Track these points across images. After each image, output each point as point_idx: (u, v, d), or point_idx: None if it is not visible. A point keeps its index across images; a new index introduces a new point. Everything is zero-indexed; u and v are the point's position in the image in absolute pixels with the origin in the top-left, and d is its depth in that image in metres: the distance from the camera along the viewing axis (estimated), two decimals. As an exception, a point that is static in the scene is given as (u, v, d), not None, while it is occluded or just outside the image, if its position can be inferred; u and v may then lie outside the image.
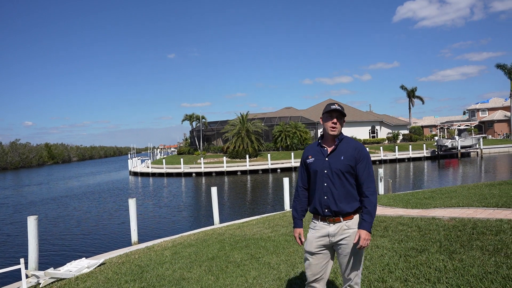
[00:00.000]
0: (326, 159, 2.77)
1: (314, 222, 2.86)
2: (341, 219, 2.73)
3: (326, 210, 2.74)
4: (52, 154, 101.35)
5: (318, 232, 2.79)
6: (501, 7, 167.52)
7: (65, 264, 6.38)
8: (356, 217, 2.76)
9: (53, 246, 12.40)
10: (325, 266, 2.79)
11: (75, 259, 6.63)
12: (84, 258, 6.81)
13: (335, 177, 2.72)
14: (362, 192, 2.74)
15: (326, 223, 2.77)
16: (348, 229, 2.72)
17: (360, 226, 2.69)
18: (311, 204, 2.88)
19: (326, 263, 2.80)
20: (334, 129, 2.75)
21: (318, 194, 2.78)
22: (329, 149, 2.80)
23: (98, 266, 6.19)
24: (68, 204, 22.83)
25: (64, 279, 5.65)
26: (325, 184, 2.74)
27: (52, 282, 5.63)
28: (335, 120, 2.75)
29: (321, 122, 2.87)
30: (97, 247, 11.80)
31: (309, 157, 2.86)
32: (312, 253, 2.79)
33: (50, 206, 22.18)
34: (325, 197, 2.74)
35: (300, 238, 2.89)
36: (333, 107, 2.75)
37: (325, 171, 2.75)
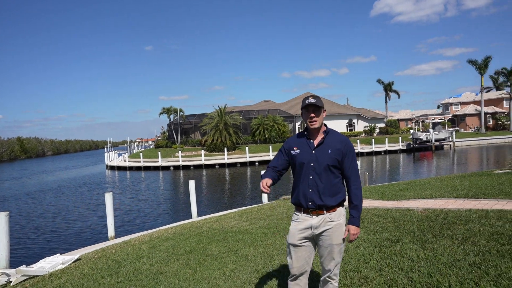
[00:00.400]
0: (313, 151, 2.75)
1: (296, 214, 2.84)
2: (324, 211, 2.74)
3: (310, 203, 2.73)
4: (25, 148, 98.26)
5: (301, 224, 2.78)
6: (472, 5, 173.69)
7: (39, 261, 6.23)
8: (339, 209, 2.78)
9: (26, 243, 12.09)
10: (308, 258, 2.80)
11: (49, 256, 6.48)
12: (58, 254, 6.66)
13: (322, 170, 2.71)
14: (349, 186, 2.78)
15: (309, 215, 2.76)
16: (330, 221, 2.73)
17: (349, 222, 2.75)
18: (294, 195, 2.86)
19: (309, 255, 2.80)
20: (313, 123, 2.74)
21: (302, 186, 2.77)
22: (316, 142, 2.78)
23: (74, 262, 6.07)
24: (43, 199, 22.27)
25: (37, 276, 5.51)
26: (311, 177, 2.73)
27: (24, 280, 5.48)
28: (312, 115, 2.72)
29: (302, 118, 2.85)
30: (72, 242, 11.59)
31: (295, 148, 2.82)
32: (295, 245, 2.78)
33: (23, 202, 21.57)
34: (310, 190, 2.73)
35: (266, 183, 2.72)
36: (307, 101, 2.73)
37: (312, 164, 2.73)
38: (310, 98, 2.75)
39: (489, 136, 51.83)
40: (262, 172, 11.06)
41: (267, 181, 2.75)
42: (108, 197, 10.11)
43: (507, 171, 11.16)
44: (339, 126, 52.75)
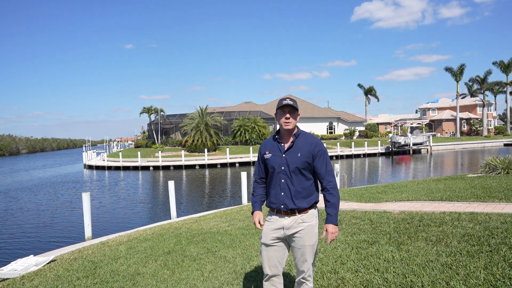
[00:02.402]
0: (283, 155, 2.78)
1: (269, 215, 2.90)
2: (297, 213, 2.77)
3: (282, 206, 2.77)
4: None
5: (273, 224, 2.83)
6: (448, 14, 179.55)
7: (10, 263, 6.06)
8: (311, 211, 2.81)
9: (-2, 243, 11.73)
10: (281, 258, 2.83)
11: (21, 258, 6.31)
12: (32, 255, 6.49)
13: (292, 174, 2.74)
14: (323, 187, 2.78)
15: (281, 216, 2.80)
16: (302, 223, 2.76)
17: (326, 221, 2.75)
18: (267, 198, 2.90)
19: (281, 255, 2.84)
20: (288, 124, 2.77)
21: (275, 190, 2.81)
22: (286, 145, 2.81)
23: (48, 263, 5.94)
24: (17, 198, 21.64)
25: (8, 279, 5.36)
26: (282, 181, 2.77)
27: (-5, 282, 5.33)
28: (288, 116, 2.76)
29: (276, 118, 2.88)
30: (47, 244, 11.30)
31: (267, 152, 2.86)
32: (267, 245, 2.83)
33: (-5, 201, 20.91)
34: (282, 193, 2.77)
35: (259, 222, 2.86)
36: (284, 102, 2.76)
37: (283, 168, 2.76)
38: (287, 99, 2.78)
39: (464, 141, 53.38)
40: (243, 174, 11.02)
41: (259, 218, 2.86)
42: (85, 197, 9.93)
43: (479, 175, 11.52)
44: (319, 129, 53.30)
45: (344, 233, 5.43)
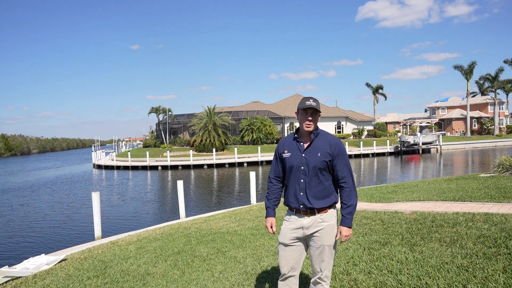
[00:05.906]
0: (303, 155, 2.74)
1: (288, 215, 2.86)
2: (316, 212, 2.74)
3: (302, 206, 2.74)
4: (10, 146, 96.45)
5: (292, 224, 2.79)
6: (454, 12, 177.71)
7: (22, 261, 6.09)
8: (331, 211, 2.77)
9: (9, 243, 11.85)
10: (298, 258, 2.80)
11: (33, 256, 6.35)
12: (43, 254, 6.53)
13: (312, 174, 2.71)
14: (341, 188, 2.74)
15: (300, 216, 2.77)
16: (322, 222, 2.73)
17: (341, 223, 2.71)
18: (286, 197, 2.87)
19: (299, 255, 2.80)
20: (309, 126, 2.73)
21: (293, 189, 2.77)
22: (305, 145, 2.77)
23: (59, 262, 5.96)
24: (27, 198, 21.86)
25: (20, 277, 5.39)
26: (302, 180, 2.73)
27: (6, 282, 5.35)
28: (310, 118, 2.72)
29: (296, 117, 2.84)
30: (58, 243, 11.39)
31: (286, 151, 2.82)
32: (286, 245, 2.79)
33: (6, 200, 21.16)
34: (301, 193, 2.73)
35: (271, 227, 2.90)
36: (307, 103, 2.70)
37: (302, 168, 2.73)
38: (310, 100, 2.73)
39: (474, 140, 52.73)
40: (252, 173, 10.95)
41: (272, 223, 2.91)
42: (95, 197, 9.97)
43: (492, 174, 11.33)
44: (327, 128, 53.01)
45: (355, 234, 5.36)
